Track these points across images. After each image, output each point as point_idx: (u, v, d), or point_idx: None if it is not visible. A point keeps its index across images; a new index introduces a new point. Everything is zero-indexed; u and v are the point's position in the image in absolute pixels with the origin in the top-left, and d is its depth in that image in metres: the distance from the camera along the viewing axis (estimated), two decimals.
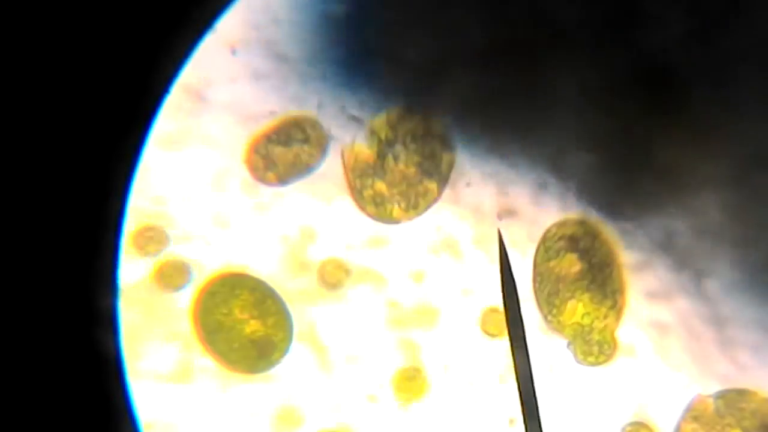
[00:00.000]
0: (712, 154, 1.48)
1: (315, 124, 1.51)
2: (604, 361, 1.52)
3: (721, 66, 1.47)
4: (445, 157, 1.51)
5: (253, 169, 1.51)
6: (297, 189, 1.52)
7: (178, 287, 1.49)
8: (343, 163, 1.51)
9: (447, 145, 1.51)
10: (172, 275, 1.49)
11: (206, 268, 1.52)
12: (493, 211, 1.52)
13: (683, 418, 1.51)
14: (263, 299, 1.52)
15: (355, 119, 1.51)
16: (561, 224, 1.52)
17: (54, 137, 1.37)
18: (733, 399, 1.50)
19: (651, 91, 1.48)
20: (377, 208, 1.51)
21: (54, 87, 1.36)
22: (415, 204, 1.52)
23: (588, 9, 1.48)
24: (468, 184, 1.52)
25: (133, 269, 1.50)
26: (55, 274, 1.38)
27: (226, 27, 1.48)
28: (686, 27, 1.47)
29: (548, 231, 1.52)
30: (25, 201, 1.35)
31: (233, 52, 1.49)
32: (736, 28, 1.46)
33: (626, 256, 1.51)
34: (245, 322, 1.52)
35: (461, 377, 1.54)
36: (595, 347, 1.51)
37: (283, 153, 1.51)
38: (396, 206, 1.51)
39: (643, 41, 1.49)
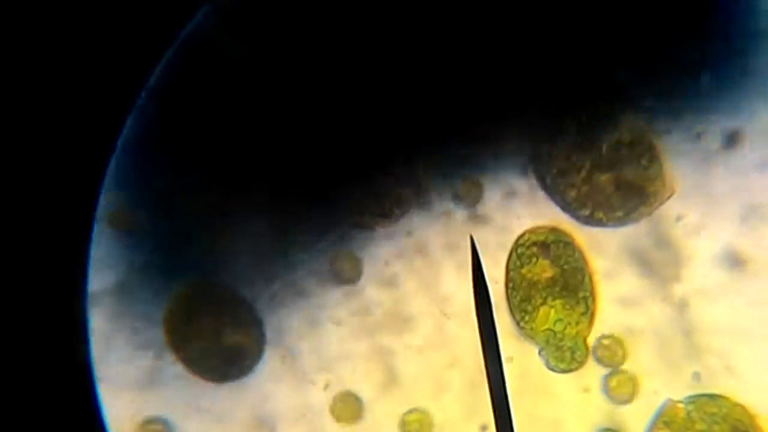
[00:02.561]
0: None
1: None
2: (576, 368, 1.52)
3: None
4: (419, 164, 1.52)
5: None
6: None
7: None
8: None
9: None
10: None
11: (179, 274, 1.51)
12: (465, 218, 1.53)
13: (654, 424, 1.52)
14: (234, 307, 1.51)
15: None
16: (533, 231, 1.53)
17: (26, 141, 1.36)
18: (703, 404, 1.50)
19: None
20: None
21: (27, 90, 1.35)
22: (388, 210, 1.52)
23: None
24: (440, 192, 1.53)
25: (103, 274, 1.49)
26: (24, 281, 1.37)
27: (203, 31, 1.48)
28: None
29: (520, 237, 1.53)
30: None
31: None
32: None
33: (597, 263, 1.52)
34: (216, 330, 1.51)
35: (433, 383, 1.54)
36: (567, 353, 1.52)
37: None
38: (367, 215, 1.52)
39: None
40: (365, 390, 1.53)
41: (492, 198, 1.52)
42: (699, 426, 1.50)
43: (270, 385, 1.53)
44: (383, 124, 1.50)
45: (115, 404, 1.49)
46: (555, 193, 1.51)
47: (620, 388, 1.50)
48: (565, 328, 1.51)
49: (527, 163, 1.52)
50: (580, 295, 1.51)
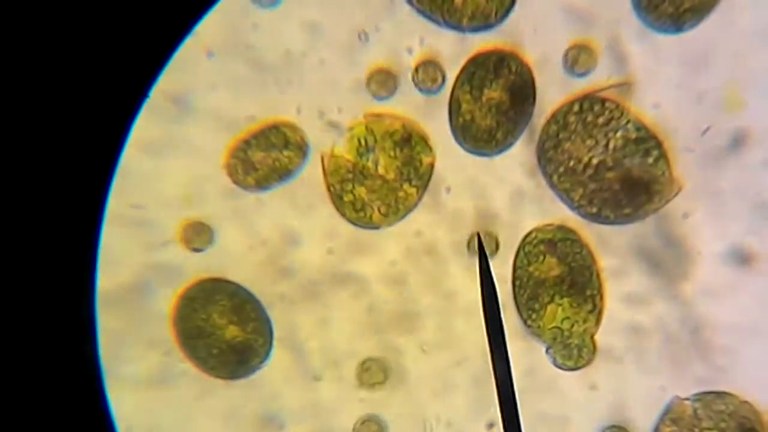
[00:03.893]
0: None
1: (295, 130, 1.51)
2: (583, 365, 1.52)
3: None
4: (425, 162, 1.52)
5: (233, 174, 1.51)
6: (277, 194, 1.52)
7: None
8: (323, 168, 1.51)
9: (427, 149, 1.52)
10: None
11: (185, 273, 1.51)
12: (473, 216, 1.53)
13: (661, 421, 1.52)
14: (242, 305, 1.51)
15: (334, 124, 1.51)
16: (540, 229, 1.53)
17: (32, 142, 1.36)
18: (710, 402, 1.51)
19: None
20: (357, 213, 1.52)
21: (32, 91, 1.35)
22: (395, 209, 1.52)
23: None
24: (447, 190, 1.53)
25: (112, 273, 1.49)
26: (32, 280, 1.38)
27: (205, 32, 1.48)
28: None
29: (528, 235, 1.53)
30: (1, 205, 1.35)
31: (209, 55, 1.49)
32: None
33: (604, 261, 1.52)
34: (224, 328, 1.51)
35: (440, 381, 1.54)
36: (574, 351, 1.52)
37: (263, 158, 1.51)
38: (376, 211, 1.52)
39: None
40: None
41: (501, 196, 1.53)
42: (706, 423, 1.50)
43: (278, 383, 1.53)
44: None
45: (124, 402, 1.50)
46: (562, 191, 1.51)
47: None
48: (572, 326, 1.51)
49: (534, 161, 1.52)
50: (588, 293, 1.51)
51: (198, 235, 1.46)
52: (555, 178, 1.51)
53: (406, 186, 1.52)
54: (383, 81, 1.46)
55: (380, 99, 1.49)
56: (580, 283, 1.51)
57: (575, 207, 1.51)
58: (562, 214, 1.52)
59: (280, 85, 1.50)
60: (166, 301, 1.51)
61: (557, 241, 1.52)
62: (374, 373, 1.51)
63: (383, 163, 1.51)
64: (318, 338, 1.53)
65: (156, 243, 1.51)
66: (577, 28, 1.49)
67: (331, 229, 1.53)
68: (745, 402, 1.50)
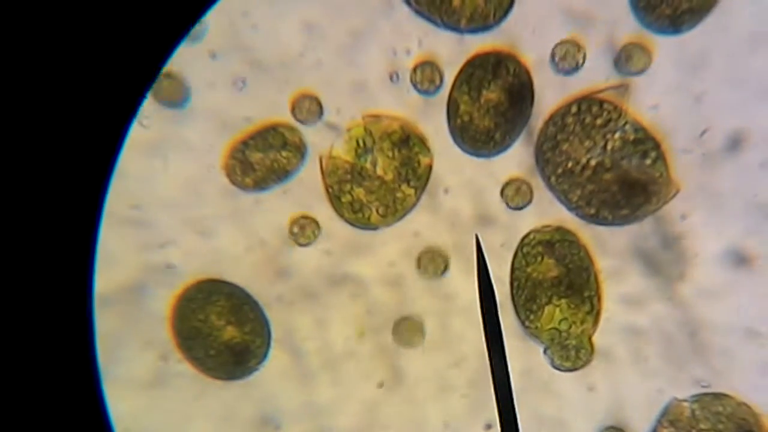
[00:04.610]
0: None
1: (293, 130, 1.51)
2: (581, 366, 1.52)
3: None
4: (423, 163, 1.52)
5: (231, 175, 1.51)
6: (275, 195, 1.52)
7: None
8: (321, 169, 1.52)
9: (425, 150, 1.52)
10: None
11: (183, 274, 1.51)
12: (471, 217, 1.53)
13: (659, 423, 1.52)
14: (240, 305, 1.51)
15: (332, 125, 1.51)
16: (538, 230, 1.53)
17: (28, 141, 1.36)
18: (708, 403, 1.51)
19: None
20: (355, 214, 1.52)
21: (31, 91, 1.35)
22: (393, 210, 1.52)
23: None
24: (446, 190, 1.53)
25: (109, 275, 1.49)
26: (28, 280, 1.37)
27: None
28: None
29: (526, 236, 1.53)
30: None
31: (212, 56, 1.49)
32: None
33: (602, 262, 1.52)
34: (222, 329, 1.51)
35: (438, 382, 1.54)
36: (572, 352, 1.52)
37: (261, 158, 1.51)
38: (374, 212, 1.52)
39: None
40: (369, 389, 1.54)
41: (499, 197, 1.53)
42: (703, 425, 1.50)
43: (276, 383, 1.53)
44: None
45: (121, 403, 1.50)
46: (560, 192, 1.51)
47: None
48: (570, 327, 1.52)
49: (532, 162, 1.52)
50: (586, 294, 1.51)
51: (303, 230, 1.46)
52: (553, 179, 1.51)
53: (404, 187, 1.52)
54: (308, 107, 1.47)
55: (305, 125, 1.49)
56: (578, 285, 1.51)
57: (573, 208, 1.51)
58: (560, 215, 1.52)
59: (278, 86, 1.50)
60: (164, 301, 1.51)
61: (555, 243, 1.52)
62: (437, 263, 1.50)
63: (381, 164, 1.51)
64: (316, 339, 1.53)
65: (154, 244, 1.51)
66: (575, 29, 1.49)
67: (328, 230, 1.53)
68: (743, 403, 1.50)
